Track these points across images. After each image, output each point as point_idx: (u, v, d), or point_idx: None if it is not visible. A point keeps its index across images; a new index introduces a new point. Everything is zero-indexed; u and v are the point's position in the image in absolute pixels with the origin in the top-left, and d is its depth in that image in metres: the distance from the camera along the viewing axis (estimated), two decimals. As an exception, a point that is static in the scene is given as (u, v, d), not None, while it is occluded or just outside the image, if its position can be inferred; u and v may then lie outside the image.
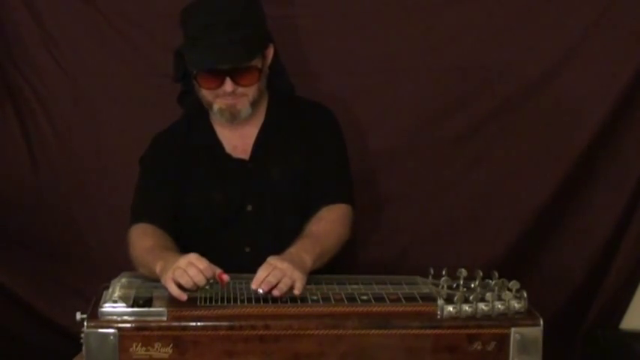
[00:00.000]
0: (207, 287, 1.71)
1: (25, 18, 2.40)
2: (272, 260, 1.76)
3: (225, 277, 1.72)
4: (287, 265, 1.74)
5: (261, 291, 1.70)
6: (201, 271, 1.69)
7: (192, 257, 1.72)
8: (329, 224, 1.96)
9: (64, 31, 2.41)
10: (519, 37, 2.39)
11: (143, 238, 1.94)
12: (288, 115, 2.08)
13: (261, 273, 1.72)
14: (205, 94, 1.98)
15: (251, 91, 1.97)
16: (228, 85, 1.93)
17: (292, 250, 1.83)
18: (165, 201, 2.02)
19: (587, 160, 2.42)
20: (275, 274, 1.71)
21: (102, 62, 2.43)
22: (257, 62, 1.96)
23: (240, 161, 2.05)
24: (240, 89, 1.95)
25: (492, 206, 2.48)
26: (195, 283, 1.69)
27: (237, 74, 1.93)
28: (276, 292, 1.69)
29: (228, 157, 2.05)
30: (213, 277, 1.72)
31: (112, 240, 2.42)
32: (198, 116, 2.09)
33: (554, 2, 2.38)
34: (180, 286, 1.70)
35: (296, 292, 1.73)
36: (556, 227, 2.48)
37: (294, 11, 2.37)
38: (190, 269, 1.69)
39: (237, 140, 2.06)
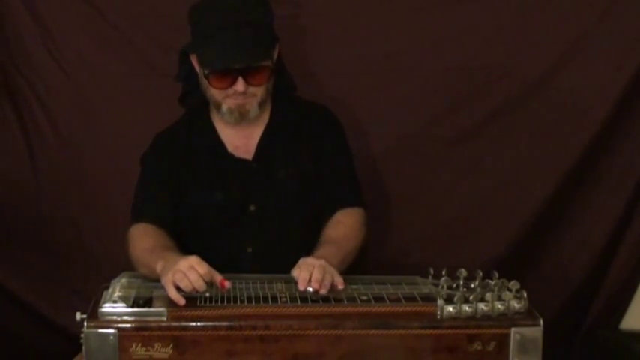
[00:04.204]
0: (206, 294, 1.70)
1: (25, 18, 2.40)
2: (308, 260, 1.76)
3: (227, 284, 1.71)
4: (324, 262, 1.75)
5: (310, 289, 1.70)
6: (201, 276, 1.69)
7: (194, 261, 1.71)
8: (348, 229, 1.98)
9: (64, 31, 2.41)
10: (520, 37, 2.39)
11: (143, 238, 1.94)
12: (292, 116, 2.08)
13: (304, 273, 1.72)
14: (215, 93, 1.97)
15: (260, 92, 1.97)
16: (240, 85, 1.93)
17: (317, 255, 1.82)
18: (165, 200, 2.02)
19: (588, 160, 2.42)
20: (318, 271, 1.71)
21: (102, 62, 2.43)
22: (268, 62, 1.96)
23: (244, 161, 2.04)
24: (251, 89, 1.95)
25: (492, 206, 2.48)
26: (194, 288, 1.68)
27: (249, 74, 1.93)
28: (323, 290, 1.70)
29: (231, 157, 2.05)
30: (213, 283, 1.71)
31: (112, 240, 2.42)
32: (199, 116, 2.09)
33: (555, 2, 2.38)
34: (179, 289, 1.69)
35: (340, 286, 1.74)
36: (556, 227, 2.48)
37: (294, 11, 2.37)
38: (191, 273, 1.68)
39: (240, 140, 2.06)
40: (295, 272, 1.75)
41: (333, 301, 1.71)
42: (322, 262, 1.75)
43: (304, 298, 1.71)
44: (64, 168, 2.48)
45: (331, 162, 2.06)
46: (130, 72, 2.43)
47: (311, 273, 1.71)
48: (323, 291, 1.70)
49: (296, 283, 1.73)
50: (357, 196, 2.07)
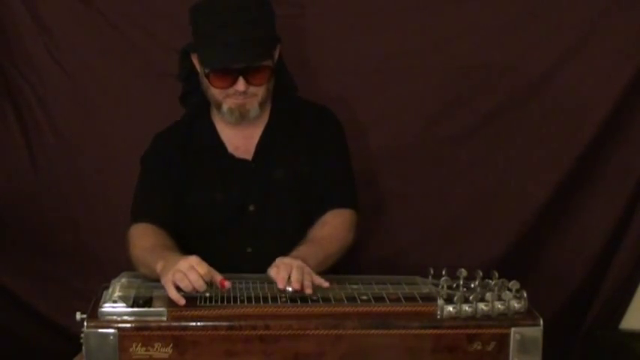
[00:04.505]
0: (206, 294, 1.70)
1: (25, 18, 2.40)
2: (285, 260, 1.76)
3: (227, 284, 1.71)
4: (301, 262, 1.75)
5: (290, 289, 1.70)
6: (201, 276, 1.69)
7: (194, 261, 1.71)
8: (333, 229, 1.97)
9: (64, 31, 2.41)
10: (520, 37, 2.39)
11: (143, 238, 1.94)
12: (292, 117, 2.08)
13: (282, 272, 1.71)
14: (215, 93, 1.98)
15: (261, 91, 1.97)
16: (241, 85, 1.93)
17: (295, 254, 1.83)
18: (165, 200, 2.02)
19: (588, 159, 2.42)
20: (297, 271, 1.71)
21: (102, 62, 2.43)
22: (268, 61, 1.97)
23: (243, 161, 2.05)
24: (252, 89, 1.95)
25: (492, 206, 2.48)
26: (194, 288, 1.68)
27: (249, 73, 1.93)
28: (308, 290, 1.70)
29: (231, 157, 2.05)
30: (213, 283, 1.71)
31: (112, 240, 2.43)
32: (200, 116, 2.09)
33: (555, 2, 2.38)
34: (179, 289, 1.69)
35: (325, 285, 1.73)
36: (556, 227, 2.48)
37: (295, 11, 2.37)
38: (191, 274, 1.68)
39: (240, 141, 2.06)
40: (273, 272, 1.74)
41: (333, 301, 1.71)
42: (299, 262, 1.75)
43: (304, 298, 1.71)
44: (64, 168, 2.48)
45: (326, 162, 2.05)
46: (130, 72, 2.43)
47: (290, 273, 1.71)
48: (308, 291, 1.70)
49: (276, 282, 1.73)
50: (350, 198, 2.06)
